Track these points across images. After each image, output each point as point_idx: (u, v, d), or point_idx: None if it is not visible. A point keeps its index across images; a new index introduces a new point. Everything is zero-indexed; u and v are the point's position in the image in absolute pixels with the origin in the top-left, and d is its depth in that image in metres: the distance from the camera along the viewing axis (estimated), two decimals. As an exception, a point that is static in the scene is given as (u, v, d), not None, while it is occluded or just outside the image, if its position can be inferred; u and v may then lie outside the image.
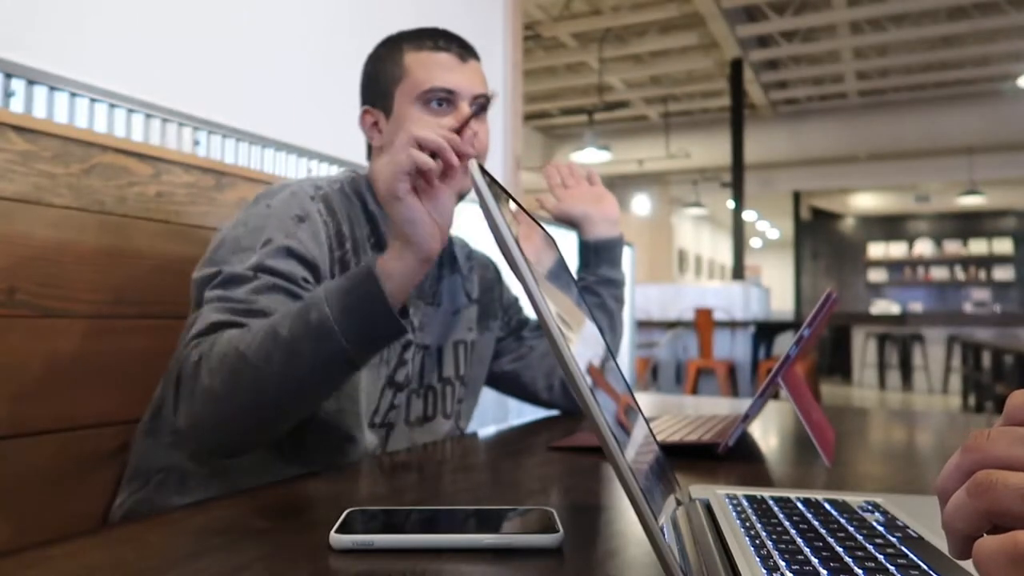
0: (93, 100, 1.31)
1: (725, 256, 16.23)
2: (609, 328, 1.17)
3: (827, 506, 0.52)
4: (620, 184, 12.72)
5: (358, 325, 0.73)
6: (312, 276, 0.87)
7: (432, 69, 0.97)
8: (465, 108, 0.98)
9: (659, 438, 0.84)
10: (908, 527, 0.48)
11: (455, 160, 0.76)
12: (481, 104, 0.98)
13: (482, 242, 1.18)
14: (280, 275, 0.83)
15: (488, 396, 1.31)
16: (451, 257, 1.10)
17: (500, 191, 0.38)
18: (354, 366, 0.76)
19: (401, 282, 0.75)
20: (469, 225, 1.21)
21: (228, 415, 0.75)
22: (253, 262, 0.83)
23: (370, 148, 1.05)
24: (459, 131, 0.84)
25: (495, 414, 2.04)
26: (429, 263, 0.77)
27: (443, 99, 0.97)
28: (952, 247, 13.09)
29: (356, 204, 0.97)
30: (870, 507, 0.53)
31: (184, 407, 0.76)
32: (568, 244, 0.89)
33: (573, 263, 1.18)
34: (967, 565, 0.40)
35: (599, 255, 1.19)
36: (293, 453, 0.90)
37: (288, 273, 0.84)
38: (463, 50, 1.00)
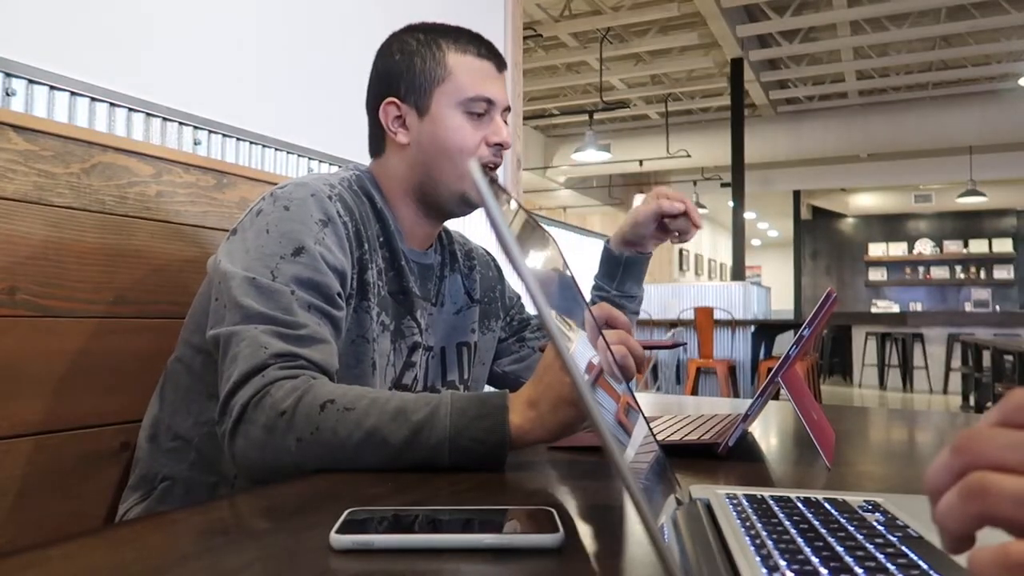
0: (93, 100, 1.31)
1: (725, 256, 16.23)
2: None
3: (827, 506, 0.52)
4: (620, 184, 12.72)
5: (465, 462, 0.71)
6: (340, 284, 0.86)
7: (477, 76, 0.96)
8: (500, 122, 0.98)
9: (659, 438, 0.84)
10: (908, 527, 0.48)
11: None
12: (505, 118, 1.01)
13: (479, 236, 1.18)
14: (317, 290, 0.83)
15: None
16: (451, 255, 1.09)
17: (500, 191, 0.38)
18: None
19: (521, 446, 0.73)
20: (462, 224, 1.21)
21: (296, 472, 0.73)
22: (290, 273, 0.82)
23: (378, 142, 1.01)
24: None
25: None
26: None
27: (482, 110, 0.96)
28: (952, 247, 13.08)
29: (365, 202, 0.96)
30: (870, 507, 0.53)
31: (248, 448, 0.74)
32: (568, 245, 0.89)
33: (577, 266, 1.18)
34: (965, 562, 0.40)
35: (629, 271, 1.18)
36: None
37: (325, 287, 0.84)
38: (499, 60, 1.00)
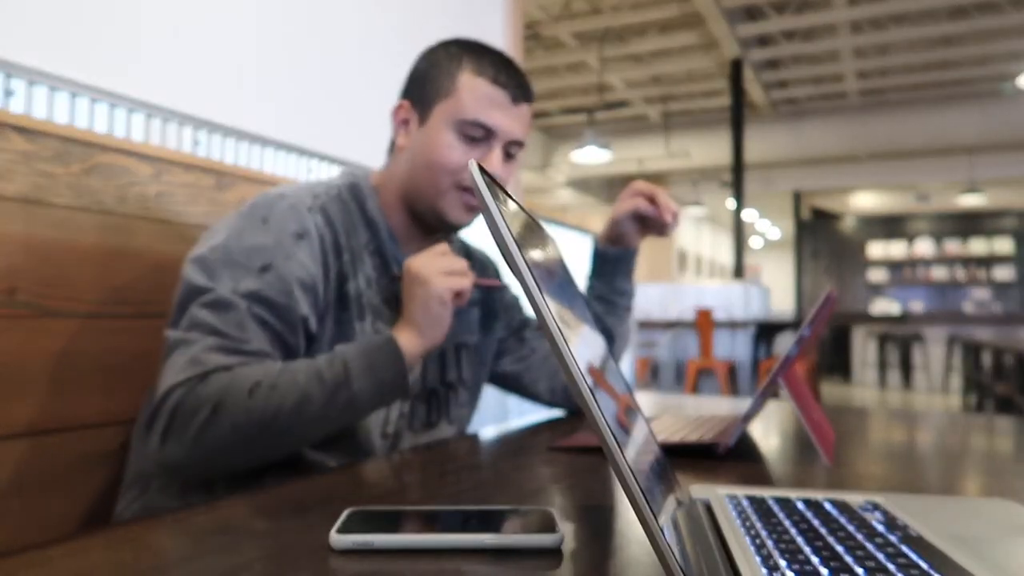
0: (93, 100, 1.31)
1: (725, 256, 16.23)
2: (621, 336, 1.19)
3: (827, 506, 0.52)
4: (620, 184, 12.70)
5: (378, 399, 0.86)
6: (311, 298, 0.88)
7: (482, 102, 0.95)
8: (497, 152, 0.97)
9: (659, 438, 0.84)
10: (908, 527, 0.48)
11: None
12: (511, 153, 1.00)
13: (477, 237, 1.18)
14: (275, 312, 0.84)
15: (488, 396, 1.31)
16: None
17: (500, 191, 0.38)
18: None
19: (411, 362, 0.87)
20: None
21: (232, 461, 0.80)
22: (248, 288, 0.83)
23: (392, 140, 1.03)
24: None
25: (495, 414, 2.04)
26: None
27: (480, 136, 0.96)
28: (952, 247, 13.08)
29: (355, 210, 0.96)
30: (870, 507, 0.53)
31: (179, 445, 0.77)
32: (568, 245, 0.89)
33: (577, 266, 1.18)
34: (969, 566, 0.41)
35: (617, 266, 1.19)
36: (307, 459, 0.90)
37: (285, 310, 0.85)
38: (519, 91, 0.98)
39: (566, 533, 0.49)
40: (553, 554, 0.47)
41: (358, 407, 0.83)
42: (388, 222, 0.99)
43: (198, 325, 0.81)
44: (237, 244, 0.86)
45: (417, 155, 0.97)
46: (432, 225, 1.01)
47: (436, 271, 0.89)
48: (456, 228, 1.01)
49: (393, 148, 1.03)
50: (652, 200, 1.12)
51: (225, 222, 0.91)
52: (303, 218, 0.89)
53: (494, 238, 0.34)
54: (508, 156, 0.99)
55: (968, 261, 12.97)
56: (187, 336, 0.81)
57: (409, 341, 0.87)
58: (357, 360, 0.83)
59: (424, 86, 0.98)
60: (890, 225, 13.69)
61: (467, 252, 1.14)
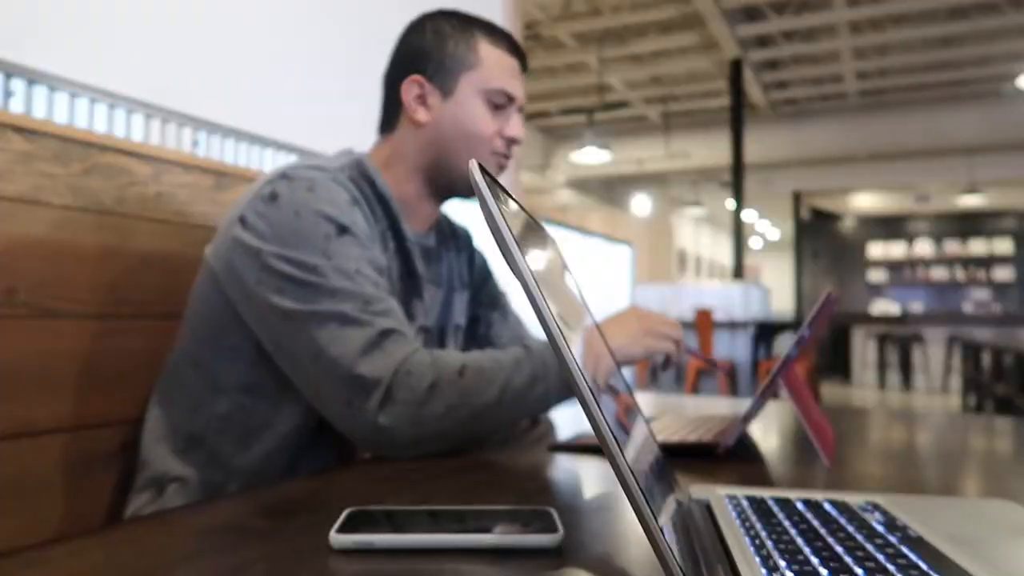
0: (93, 100, 1.31)
1: (725, 256, 16.23)
2: None
3: (827, 506, 0.52)
4: (620, 184, 12.71)
5: (558, 401, 0.87)
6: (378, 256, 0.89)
7: (505, 70, 0.99)
8: (518, 119, 1.01)
9: (659, 438, 0.84)
10: (908, 527, 0.48)
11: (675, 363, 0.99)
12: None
13: (459, 214, 1.18)
14: (372, 265, 0.86)
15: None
16: (444, 235, 1.10)
17: (500, 191, 0.38)
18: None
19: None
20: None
21: (437, 443, 0.80)
22: (344, 252, 0.83)
23: (391, 118, 1.01)
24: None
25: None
26: None
27: (502, 103, 0.99)
28: (952, 247, 13.08)
29: (367, 187, 0.95)
30: (870, 507, 0.53)
31: (400, 423, 0.78)
32: (568, 245, 0.89)
33: (573, 264, 1.18)
34: (969, 566, 0.41)
35: None
36: (314, 457, 0.90)
37: (376, 261, 0.87)
38: (523, 60, 1.03)
39: (566, 533, 0.49)
40: (553, 554, 0.47)
41: (547, 403, 0.85)
42: (393, 198, 0.99)
43: (329, 294, 0.80)
44: (297, 216, 0.84)
45: (449, 127, 0.98)
46: (453, 193, 1.02)
47: (656, 329, 0.94)
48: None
49: (389, 126, 1.02)
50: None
51: (260, 203, 0.86)
52: (349, 186, 0.90)
53: (494, 238, 0.34)
54: None
55: (968, 261, 12.97)
56: (322, 310, 0.80)
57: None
58: (553, 358, 0.83)
59: (441, 59, 0.98)
60: (890, 225, 13.69)
61: (453, 229, 1.15)
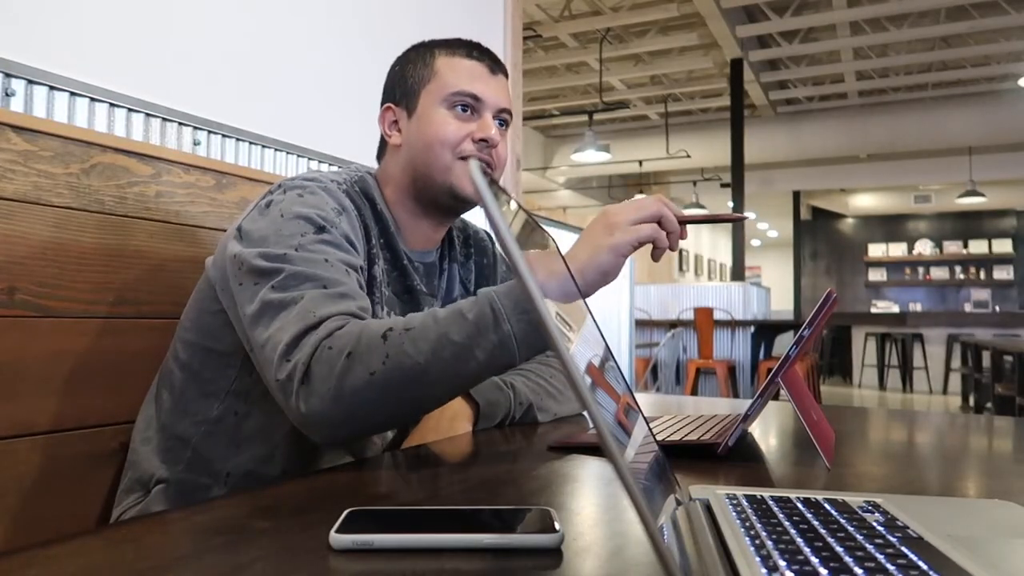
0: (93, 100, 1.31)
1: (725, 256, 16.22)
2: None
3: (827, 506, 0.52)
4: (620, 184, 12.71)
5: (528, 347, 0.75)
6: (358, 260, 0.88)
7: (463, 74, 0.99)
8: (489, 118, 0.98)
9: (659, 438, 0.84)
10: (908, 527, 0.48)
11: (666, 243, 0.86)
12: (504, 120, 1.01)
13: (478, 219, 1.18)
14: (347, 258, 0.84)
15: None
16: (450, 244, 1.10)
17: (500, 191, 0.38)
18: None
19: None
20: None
21: (373, 415, 0.74)
22: (317, 245, 0.82)
23: (382, 146, 1.06)
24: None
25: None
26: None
27: (469, 105, 0.98)
28: (952, 247, 13.08)
29: (366, 204, 0.97)
30: (870, 507, 0.53)
31: (320, 399, 0.72)
32: (568, 245, 0.89)
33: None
34: (969, 566, 0.41)
35: None
36: (308, 462, 0.90)
37: (354, 257, 0.86)
38: (494, 63, 1.02)
39: (566, 533, 0.49)
40: (553, 554, 0.47)
41: (509, 350, 0.74)
42: (392, 219, 1.00)
43: (293, 279, 0.78)
44: (281, 218, 0.84)
45: (415, 141, 0.99)
46: (445, 207, 1.01)
47: (621, 220, 0.82)
48: (469, 201, 1.00)
49: (382, 153, 1.05)
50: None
51: (255, 212, 0.88)
52: (339, 197, 0.91)
53: (495, 238, 0.34)
54: (502, 124, 1.02)
55: (968, 261, 12.97)
56: (284, 296, 0.77)
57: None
58: (504, 299, 0.74)
59: (404, 83, 1.01)
60: (890, 225, 13.69)
61: (466, 237, 1.14)
